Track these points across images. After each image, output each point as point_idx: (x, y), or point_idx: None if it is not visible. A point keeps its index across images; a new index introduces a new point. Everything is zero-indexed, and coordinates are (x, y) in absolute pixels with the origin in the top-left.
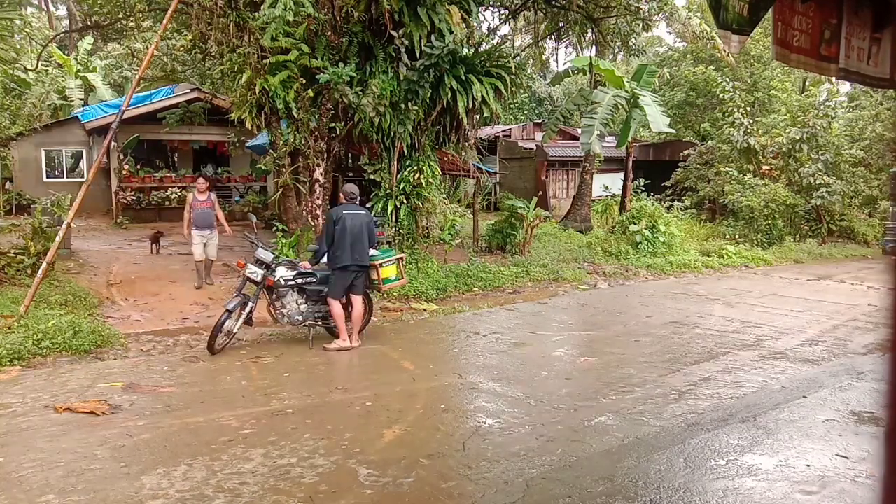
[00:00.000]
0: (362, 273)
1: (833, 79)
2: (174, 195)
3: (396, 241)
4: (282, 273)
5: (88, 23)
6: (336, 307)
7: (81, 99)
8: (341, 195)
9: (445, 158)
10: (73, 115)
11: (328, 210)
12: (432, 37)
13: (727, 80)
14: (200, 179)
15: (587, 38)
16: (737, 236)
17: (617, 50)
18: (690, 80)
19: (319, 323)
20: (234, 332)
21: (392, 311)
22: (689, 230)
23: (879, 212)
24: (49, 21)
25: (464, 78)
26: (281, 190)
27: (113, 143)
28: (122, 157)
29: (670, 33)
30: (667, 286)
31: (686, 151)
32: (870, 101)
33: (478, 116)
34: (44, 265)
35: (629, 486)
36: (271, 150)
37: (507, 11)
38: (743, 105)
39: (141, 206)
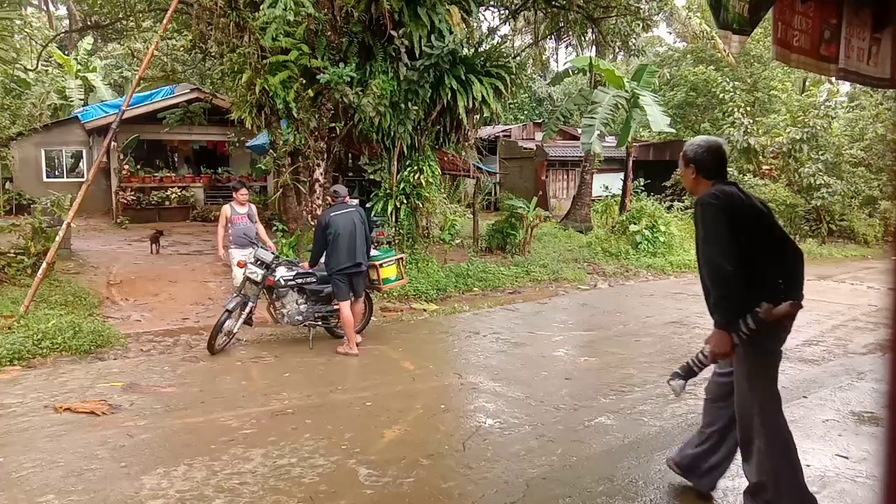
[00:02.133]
0: (360, 272)
1: (833, 79)
2: (174, 195)
3: (396, 241)
4: (282, 273)
5: (88, 23)
6: (345, 311)
7: (81, 99)
8: (329, 198)
9: (445, 158)
10: (73, 115)
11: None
12: (432, 37)
13: (727, 80)
14: (243, 190)
15: (587, 38)
16: None
17: (617, 50)
18: (690, 80)
19: (319, 323)
20: (234, 332)
21: (392, 311)
22: (689, 230)
23: (880, 212)
24: (49, 21)
25: (464, 78)
26: (281, 190)
27: (113, 143)
28: (122, 157)
29: (670, 33)
30: (667, 286)
31: None
32: (870, 101)
33: (478, 116)
34: (44, 265)
35: (629, 486)
36: (271, 150)
37: (507, 11)
38: (743, 105)
39: (141, 206)
